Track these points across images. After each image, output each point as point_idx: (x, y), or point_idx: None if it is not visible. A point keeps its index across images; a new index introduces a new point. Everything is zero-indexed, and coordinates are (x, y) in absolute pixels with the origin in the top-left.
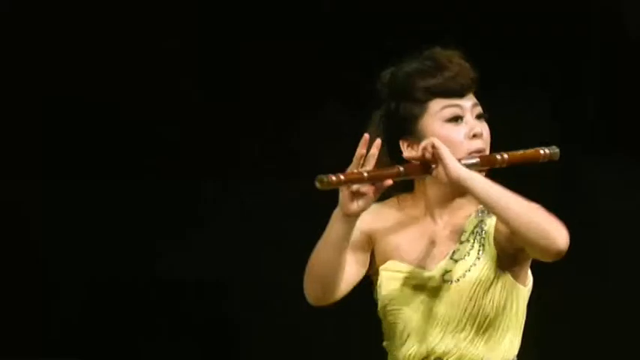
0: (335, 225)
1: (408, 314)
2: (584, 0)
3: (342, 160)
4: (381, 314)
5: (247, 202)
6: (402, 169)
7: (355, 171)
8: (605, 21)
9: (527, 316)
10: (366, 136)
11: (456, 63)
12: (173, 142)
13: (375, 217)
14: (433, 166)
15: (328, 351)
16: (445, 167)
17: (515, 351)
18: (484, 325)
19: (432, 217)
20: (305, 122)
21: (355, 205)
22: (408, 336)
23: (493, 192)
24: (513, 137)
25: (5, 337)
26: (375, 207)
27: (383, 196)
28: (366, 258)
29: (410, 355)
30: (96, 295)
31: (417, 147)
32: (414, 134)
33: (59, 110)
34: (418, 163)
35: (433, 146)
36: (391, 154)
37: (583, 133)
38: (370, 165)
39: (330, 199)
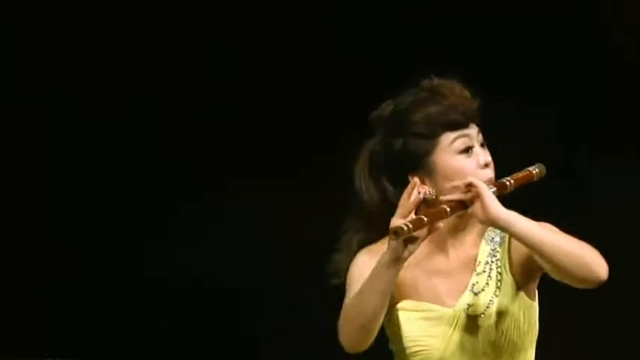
0: (382, 271)
1: (438, 353)
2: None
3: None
4: (401, 354)
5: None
6: (447, 209)
7: (417, 217)
8: (606, 20)
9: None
10: (416, 179)
11: (458, 94)
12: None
13: (374, 258)
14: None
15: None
16: (485, 207)
17: None
18: (513, 352)
19: (444, 251)
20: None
21: (407, 251)
22: None
23: (533, 230)
24: (514, 139)
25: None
26: (372, 250)
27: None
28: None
29: None
30: (89, 296)
31: (430, 181)
32: (425, 169)
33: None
34: (458, 201)
35: (471, 185)
36: (394, 189)
37: (583, 133)
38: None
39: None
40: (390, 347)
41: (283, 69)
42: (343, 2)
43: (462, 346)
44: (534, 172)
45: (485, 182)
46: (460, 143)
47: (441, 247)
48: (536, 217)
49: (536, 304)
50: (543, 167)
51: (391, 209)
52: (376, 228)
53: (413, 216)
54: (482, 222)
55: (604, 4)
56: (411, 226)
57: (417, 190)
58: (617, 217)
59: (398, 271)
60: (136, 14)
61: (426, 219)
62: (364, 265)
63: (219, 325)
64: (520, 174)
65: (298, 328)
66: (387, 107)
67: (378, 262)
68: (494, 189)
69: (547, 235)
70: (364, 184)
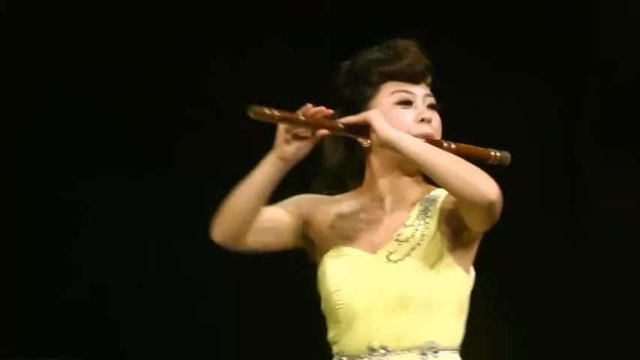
0: (264, 167)
1: (354, 297)
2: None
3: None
4: (325, 303)
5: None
6: (341, 125)
7: (292, 112)
8: (607, 19)
9: (532, 316)
10: (329, 110)
11: (412, 51)
12: None
13: (316, 203)
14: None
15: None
16: (375, 129)
17: (459, 339)
18: (426, 305)
19: (380, 202)
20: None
21: (289, 149)
22: (354, 320)
23: (422, 150)
24: (514, 135)
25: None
26: (319, 196)
27: (336, 191)
28: (291, 229)
29: (356, 339)
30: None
31: (362, 113)
32: None
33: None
34: (355, 122)
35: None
36: (346, 140)
37: (584, 132)
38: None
39: None
40: (328, 338)
41: None
42: None
43: (378, 291)
44: (494, 154)
45: (417, 135)
46: (399, 96)
47: (379, 198)
48: (537, 217)
49: (468, 278)
50: (508, 157)
51: (350, 166)
52: (340, 185)
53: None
54: (379, 145)
55: (604, 4)
56: (275, 113)
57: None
58: (617, 217)
59: (279, 171)
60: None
61: (303, 117)
62: (306, 198)
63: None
64: (472, 146)
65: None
66: (345, 64)
67: (265, 158)
68: (422, 141)
69: (437, 156)
70: (327, 144)
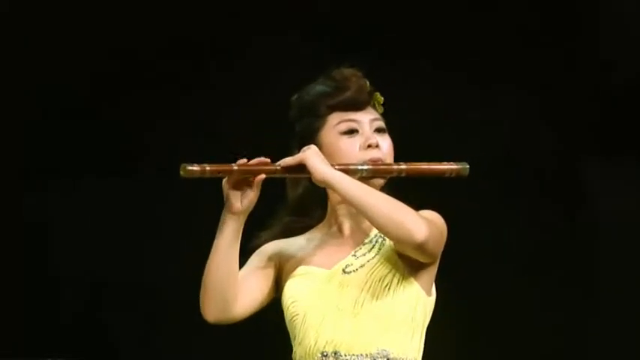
0: (223, 228)
1: (308, 306)
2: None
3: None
4: (286, 319)
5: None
6: (279, 167)
7: (225, 164)
8: (607, 19)
9: (525, 319)
10: (263, 159)
11: (354, 81)
12: None
13: (282, 244)
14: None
15: None
16: (310, 170)
17: (416, 353)
18: (379, 314)
19: (340, 229)
20: None
21: (236, 199)
22: (308, 328)
23: (356, 191)
24: (514, 136)
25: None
26: (278, 242)
27: (301, 230)
28: (268, 279)
29: (311, 347)
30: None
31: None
32: (316, 147)
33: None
34: (295, 163)
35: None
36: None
37: (583, 133)
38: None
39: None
40: (288, 328)
41: None
42: None
43: (331, 300)
44: (448, 168)
45: (365, 161)
46: (344, 125)
47: (338, 225)
48: (537, 217)
49: (428, 299)
50: (467, 167)
51: (313, 195)
52: (305, 213)
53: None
54: (314, 180)
55: (604, 4)
56: (206, 168)
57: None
58: (617, 217)
59: (237, 224)
60: None
61: (235, 167)
62: (271, 244)
63: None
64: (424, 164)
65: None
66: (294, 97)
67: (220, 221)
68: (368, 166)
69: (370, 197)
70: (288, 177)
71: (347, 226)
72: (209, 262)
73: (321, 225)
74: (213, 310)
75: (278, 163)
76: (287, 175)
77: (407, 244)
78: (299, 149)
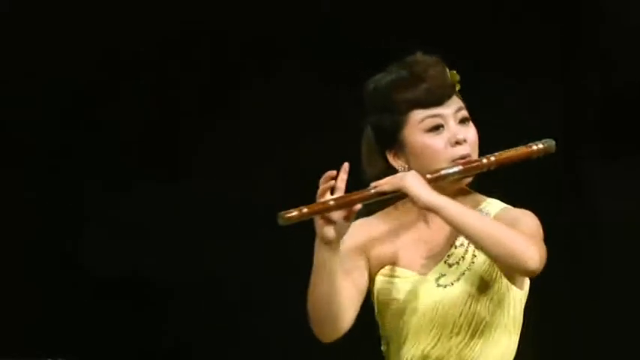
0: (319, 255)
1: (406, 317)
2: None
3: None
4: (378, 318)
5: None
6: (373, 191)
7: (321, 201)
8: (608, 18)
9: (526, 317)
10: (346, 165)
11: (431, 74)
12: None
13: (363, 230)
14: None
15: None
16: (413, 198)
17: (513, 354)
18: (479, 328)
19: (426, 221)
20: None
21: (331, 233)
22: (406, 339)
23: (464, 219)
24: (514, 135)
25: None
26: (362, 220)
27: (376, 208)
28: (362, 275)
29: (407, 358)
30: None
31: (403, 157)
32: (398, 145)
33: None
34: (393, 189)
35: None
36: (385, 163)
37: (584, 132)
38: (340, 191)
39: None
40: (382, 349)
41: None
42: None
43: (429, 314)
44: (536, 147)
45: (456, 159)
46: (429, 122)
47: (424, 216)
48: (537, 217)
49: (521, 292)
50: (553, 144)
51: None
52: (378, 204)
53: (319, 201)
54: (420, 207)
55: (605, 3)
56: (303, 211)
57: (331, 175)
58: (617, 217)
59: (333, 252)
60: None
61: (332, 202)
62: (352, 232)
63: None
64: (511, 150)
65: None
66: (369, 85)
67: (315, 247)
68: (460, 167)
69: (478, 223)
70: (365, 160)
71: (435, 219)
72: (313, 290)
73: (402, 207)
74: (325, 331)
75: (372, 186)
76: (381, 197)
77: (520, 273)
78: (380, 145)
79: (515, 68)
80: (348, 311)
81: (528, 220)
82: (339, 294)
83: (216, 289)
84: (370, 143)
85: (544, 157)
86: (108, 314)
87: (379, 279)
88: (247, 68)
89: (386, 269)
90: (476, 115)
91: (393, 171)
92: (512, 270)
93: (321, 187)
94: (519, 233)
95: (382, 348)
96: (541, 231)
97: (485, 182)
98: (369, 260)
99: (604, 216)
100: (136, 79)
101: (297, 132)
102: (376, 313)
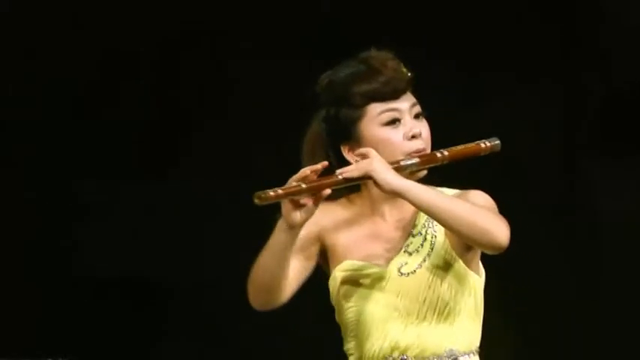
0: (278, 235)
1: (369, 311)
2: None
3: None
4: (339, 316)
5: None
6: (340, 177)
7: (294, 184)
8: (608, 19)
9: (527, 317)
10: (325, 163)
11: (390, 67)
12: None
13: (322, 216)
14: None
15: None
16: (379, 184)
17: (477, 342)
18: (444, 313)
19: (381, 215)
20: None
21: (298, 216)
22: (370, 333)
23: (430, 199)
24: (514, 136)
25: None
26: (322, 206)
27: (331, 196)
28: (311, 256)
29: (374, 352)
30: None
31: (357, 151)
32: (353, 138)
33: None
34: (360, 175)
35: (364, 155)
36: (336, 158)
37: (584, 132)
38: (309, 179)
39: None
40: (345, 349)
41: None
42: None
43: (393, 304)
44: (484, 145)
45: (411, 153)
46: (386, 116)
47: (380, 211)
48: (537, 217)
49: (480, 279)
50: (498, 143)
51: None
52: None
53: (293, 183)
54: (382, 191)
55: (604, 3)
56: (279, 192)
57: (312, 166)
58: (617, 217)
59: (293, 236)
60: None
61: (304, 186)
62: (316, 215)
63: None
64: (462, 146)
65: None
66: (324, 79)
67: (276, 226)
68: (417, 160)
69: (445, 204)
70: (307, 156)
71: (390, 213)
72: (260, 262)
73: (358, 200)
74: (260, 301)
75: (339, 172)
76: (349, 184)
77: (490, 249)
78: (336, 138)
79: (516, 68)
80: (289, 286)
81: (486, 199)
82: (285, 274)
83: (216, 289)
84: (318, 138)
85: (490, 154)
86: (108, 314)
87: (338, 274)
88: (247, 68)
89: (344, 264)
90: (476, 114)
91: (339, 167)
92: (483, 247)
93: (299, 173)
94: (487, 211)
95: (344, 347)
96: (497, 208)
97: (485, 182)
98: (326, 247)
99: (604, 216)
100: (135, 79)
101: (297, 132)
102: (336, 314)
